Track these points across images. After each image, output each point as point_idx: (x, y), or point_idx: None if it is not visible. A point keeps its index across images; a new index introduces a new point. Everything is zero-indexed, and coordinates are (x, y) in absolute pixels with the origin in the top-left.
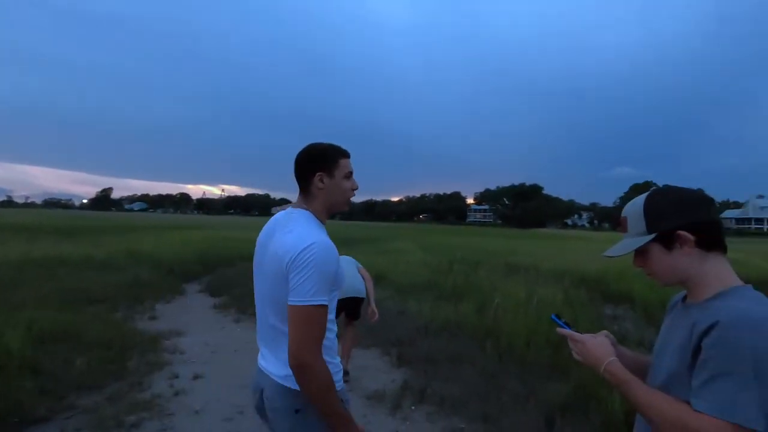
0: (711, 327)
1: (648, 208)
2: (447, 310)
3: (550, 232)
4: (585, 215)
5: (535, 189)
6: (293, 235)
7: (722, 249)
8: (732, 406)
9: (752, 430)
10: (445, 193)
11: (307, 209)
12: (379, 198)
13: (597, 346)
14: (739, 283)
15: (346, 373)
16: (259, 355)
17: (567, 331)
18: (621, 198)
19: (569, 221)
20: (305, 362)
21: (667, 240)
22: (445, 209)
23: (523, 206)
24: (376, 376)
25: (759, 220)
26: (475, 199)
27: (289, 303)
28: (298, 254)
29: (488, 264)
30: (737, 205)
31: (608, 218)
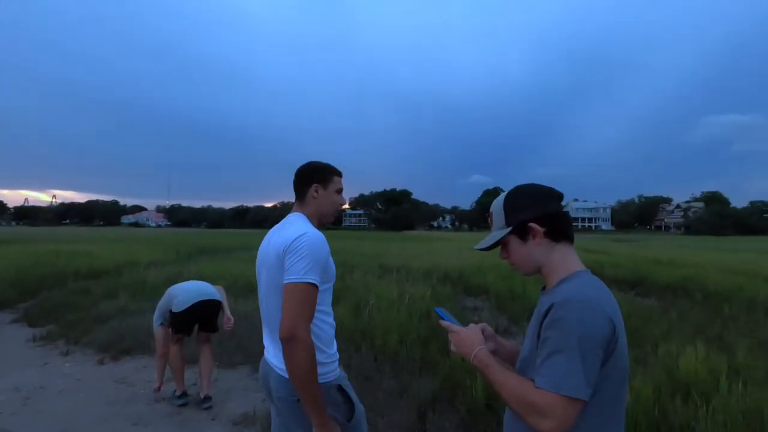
0: (548, 310)
1: (506, 204)
2: None
3: (418, 234)
4: (448, 218)
5: (405, 194)
6: (290, 228)
7: (569, 239)
8: (561, 380)
9: (582, 400)
10: None
11: (301, 213)
12: (251, 204)
13: (469, 336)
14: (582, 268)
15: (207, 398)
16: (265, 350)
17: (446, 323)
18: (476, 202)
19: (434, 223)
20: (294, 334)
21: (522, 232)
22: None
23: (394, 210)
24: (245, 397)
25: (576, 219)
26: (350, 204)
27: (284, 283)
28: (293, 241)
29: (363, 266)
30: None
31: (467, 220)
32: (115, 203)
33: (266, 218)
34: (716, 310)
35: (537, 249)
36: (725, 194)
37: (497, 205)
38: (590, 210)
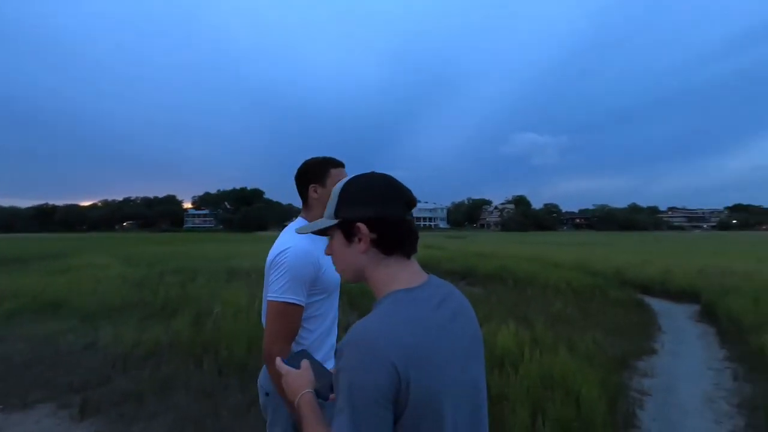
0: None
1: (342, 191)
2: (156, 331)
3: (271, 235)
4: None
5: (257, 193)
6: (278, 241)
7: (405, 253)
8: None
9: None
10: (156, 197)
11: (305, 218)
12: (59, 202)
13: (296, 379)
14: (402, 286)
15: None
16: None
17: (280, 365)
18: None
19: (289, 224)
20: (269, 353)
21: (348, 230)
22: (158, 215)
23: (244, 210)
24: None
25: (419, 218)
26: (193, 204)
27: (266, 299)
28: (275, 257)
29: (207, 271)
30: None
31: None
32: None
33: (82, 219)
34: (522, 292)
35: (362, 256)
36: (528, 198)
37: (336, 188)
38: (430, 210)
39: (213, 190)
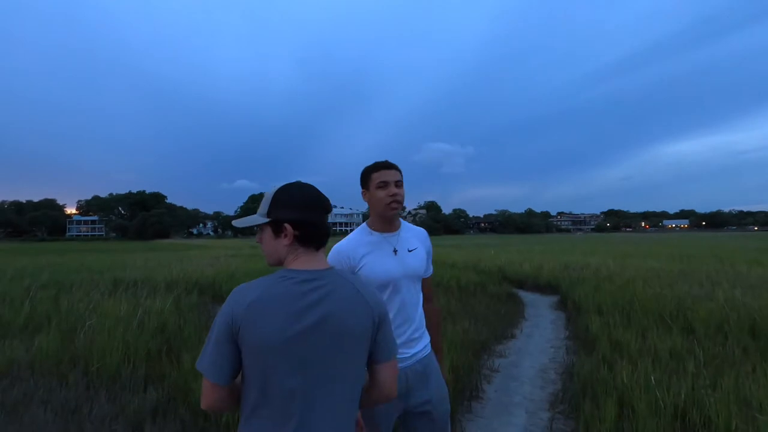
0: None
1: (275, 197)
2: (14, 349)
3: (174, 243)
4: (210, 224)
5: (157, 197)
6: None
7: (316, 246)
8: (200, 361)
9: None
10: (31, 201)
11: (364, 222)
12: None
13: None
14: (293, 268)
15: None
16: None
17: None
18: (241, 207)
19: (194, 230)
20: None
21: (277, 227)
22: (33, 222)
23: (143, 216)
24: None
25: (335, 224)
26: (78, 209)
27: None
28: None
29: (87, 284)
30: None
31: (230, 226)
32: None
33: None
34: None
35: (285, 248)
36: (438, 203)
37: (269, 193)
38: (346, 215)
39: (104, 194)
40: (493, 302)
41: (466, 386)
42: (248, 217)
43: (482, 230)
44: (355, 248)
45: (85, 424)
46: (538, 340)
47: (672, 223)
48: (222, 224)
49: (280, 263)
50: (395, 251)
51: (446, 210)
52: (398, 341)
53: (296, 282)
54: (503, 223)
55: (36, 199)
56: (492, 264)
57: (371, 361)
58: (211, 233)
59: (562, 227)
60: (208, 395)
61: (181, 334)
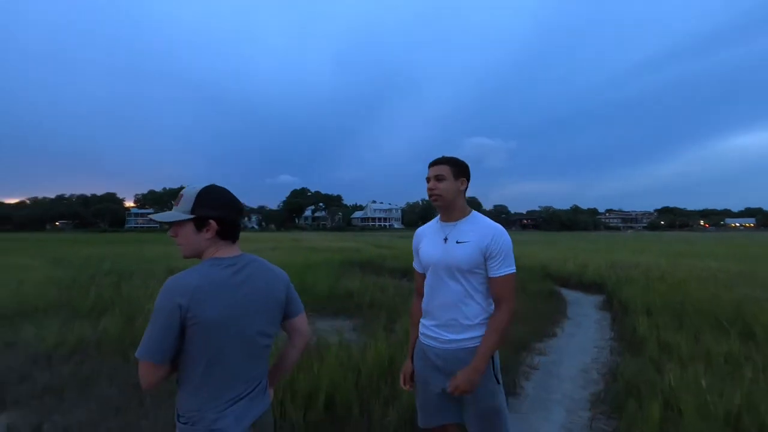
0: None
1: (199, 197)
2: (83, 330)
3: None
4: (254, 217)
5: None
6: None
7: (232, 239)
8: (141, 347)
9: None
10: (94, 195)
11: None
12: None
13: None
14: (218, 256)
15: None
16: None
17: None
18: (284, 201)
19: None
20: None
21: (200, 223)
22: (96, 214)
23: None
24: None
25: (374, 219)
26: (136, 202)
27: None
28: None
29: (146, 272)
30: (360, 208)
31: (274, 220)
32: None
33: (7, 218)
34: None
35: (206, 241)
36: (479, 199)
37: (191, 192)
38: (385, 211)
39: (158, 188)
40: (534, 300)
41: (503, 382)
42: (170, 212)
43: (524, 227)
44: (422, 232)
45: (145, 398)
46: (581, 340)
47: (735, 222)
48: (265, 218)
49: (198, 255)
50: (445, 239)
51: (486, 206)
52: (436, 322)
53: (224, 267)
54: (547, 220)
55: (99, 193)
56: (533, 261)
57: (288, 316)
58: (255, 226)
59: (611, 225)
60: (152, 376)
61: None
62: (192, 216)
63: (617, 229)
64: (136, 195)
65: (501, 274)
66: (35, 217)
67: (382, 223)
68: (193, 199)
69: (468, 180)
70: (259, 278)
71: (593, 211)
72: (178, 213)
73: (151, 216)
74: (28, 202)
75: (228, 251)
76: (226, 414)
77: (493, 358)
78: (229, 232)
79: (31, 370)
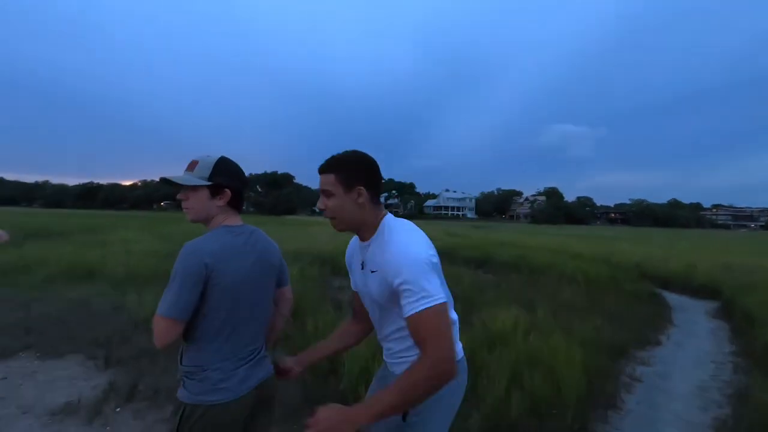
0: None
1: (217, 165)
2: None
3: (299, 219)
4: None
5: (287, 177)
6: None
7: (239, 209)
8: (168, 307)
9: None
10: None
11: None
12: (103, 181)
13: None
14: (228, 224)
15: None
16: None
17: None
18: None
19: (317, 208)
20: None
21: (215, 191)
22: None
23: (275, 194)
24: (71, 386)
25: (447, 208)
26: None
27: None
28: None
29: None
30: (433, 196)
31: None
32: None
33: (123, 198)
34: (535, 281)
35: (218, 208)
36: (561, 189)
37: (209, 160)
38: (458, 200)
39: (246, 174)
40: (631, 301)
41: (600, 392)
42: (188, 176)
43: (611, 221)
44: (351, 250)
45: None
46: (693, 352)
47: None
48: None
49: (205, 220)
50: (362, 265)
51: (569, 197)
52: (385, 353)
53: (236, 234)
54: (638, 214)
55: None
56: (626, 258)
57: (279, 285)
58: None
59: (719, 222)
60: (171, 333)
61: (305, 300)
62: (209, 183)
63: (726, 227)
64: None
65: (414, 311)
66: (144, 197)
67: (455, 212)
68: (211, 167)
69: (370, 185)
70: (262, 247)
71: (696, 206)
72: (196, 178)
73: (167, 176)
74: (139, 184)
75: (236, 220)
76: (233, 374)
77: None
78: (237, 202)
79: (132, 333)
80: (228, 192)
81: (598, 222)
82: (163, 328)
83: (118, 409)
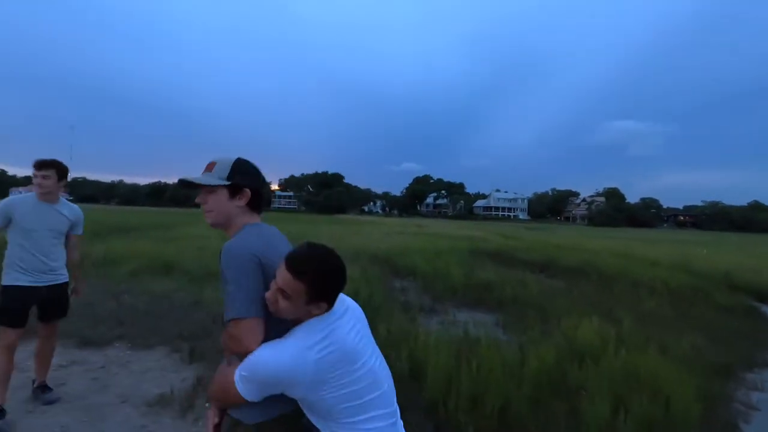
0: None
1: (236, 165)
2: None
3: (349, 218)
4: (379, 203)
5: (337, 177)
6: None
7: (259, 211)
8: (241, 309)
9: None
10: None
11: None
12: (170, 180)
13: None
14: (252, 223)
15: (48, 388)
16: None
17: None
18: (406, 188)
19: (366, 208)
20: None
21: (234, 191)
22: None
23: (326, 193)
24: (163, 378)
25: (497, 208)
26: (280, 186)
27: None
28: None
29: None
30: (483, 196)
31: (397, 205)
32: (2, 173)
33: (187, 197)
34: (608, 288)
35: (237, 209)
36: (622, 190)
37: (227, 160)
38: (509, 200)
39: (297, 174)
40: (724, 316)
41: (715, 418)
42: (206, 176)
43: (680, 224)
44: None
45: None
46: None
47: None
48: (389, 203)
49: (225, 223)
50: None
51: (631, 198)
52: None
53: (265, 228)
54: (712, 217)
55: None
56: (710, 266)
57: None
58: (380, 211)
59: None
60: (258, 331)
61: (372, 302)
62: (229, 182)
63: None
64: (280, 179)
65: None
66: None
67: (506, 213)
68: (229, 167)
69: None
70: (283, 240)
71: None
72: (213, 179)
73: (186, 178)
74: None
75: (257, 221)
76: None
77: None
78: (257, 203)
79: (212, 328)
80: (248, 192)
81: (665, 225)
82: (249, 330)
83: (207, 405)
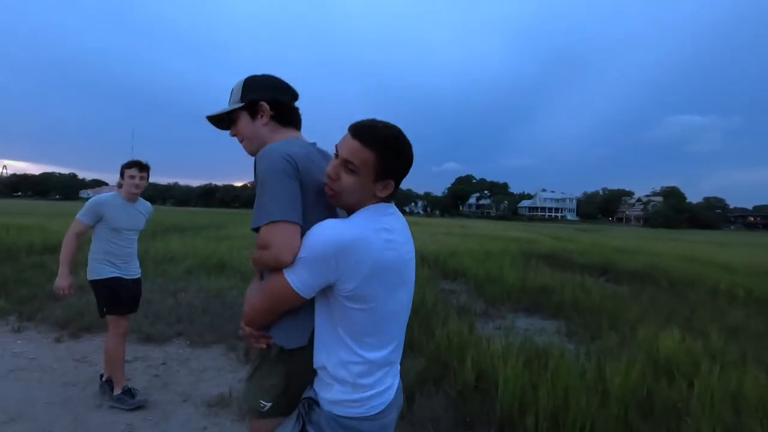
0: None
1: (246, 83)
2: None
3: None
4: (420, 203)
5: None
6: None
7: (296, 127)
8: (278, 213)
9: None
10: None
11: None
12: (219, 182)
13: None
14: (289, 137)
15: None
16: (392, 374)
17: None
18: (448, 188)
19: (407, 208)
20: None
21: (253, 110)
22: None
23: None
24: (220, 377)
25: (543, 209)
26: None
27: None
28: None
29: None
30: (528, 196)
31: (439, 206)
32: (73, 176)
33: (236, 198)
34: (682, 296)
35: (264, 128)
36: (682, 189)
37: (238, 84)
38: (557, 200)
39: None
40: None
41: None
42: (222, 109)
43: (749, 226)
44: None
45: None
46: None
47: None
48: (431, 203)
49: (261, 146)
50: None
51: (693, 198)
52: None
53: (305, 142)
54: None
55: None
56: None
57: None
58: (421, 212)
59: None
60: (295, 239)
61: (425, 304)
62: (242, 104)
63: None
64: None
65: None
66: (253, 197)
67: (553, 214)
68: (240, 88)
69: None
70: (326, 158)
71: None
72: (232, 104)
73: (210, 114)
74: (249, 185)
75: (295, 135)
76: None
77: None
78: (287, 116)
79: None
80: (265, 105)
81: (732, 227)
82: (285, 236)
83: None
